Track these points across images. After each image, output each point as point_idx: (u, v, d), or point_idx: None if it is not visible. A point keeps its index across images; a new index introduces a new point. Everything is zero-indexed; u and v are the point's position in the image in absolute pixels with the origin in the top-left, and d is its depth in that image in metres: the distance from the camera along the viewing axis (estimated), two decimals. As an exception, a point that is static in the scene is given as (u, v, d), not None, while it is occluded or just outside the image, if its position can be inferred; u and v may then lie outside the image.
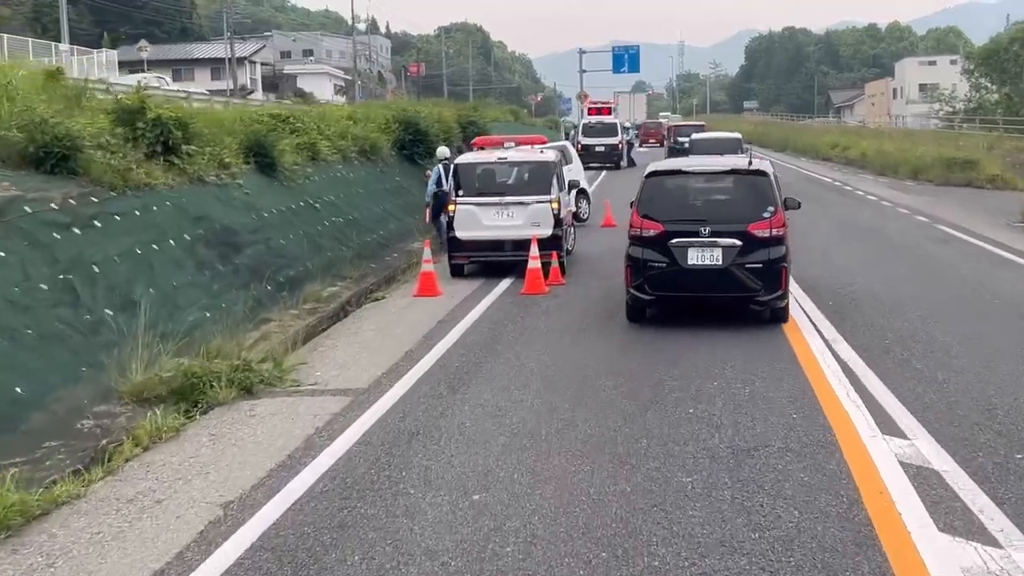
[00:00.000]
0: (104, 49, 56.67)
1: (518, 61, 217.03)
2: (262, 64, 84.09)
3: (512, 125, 61.92)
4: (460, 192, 14.77)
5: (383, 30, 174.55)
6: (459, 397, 8.40)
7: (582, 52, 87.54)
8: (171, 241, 11.29)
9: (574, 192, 20.07)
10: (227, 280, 12.07)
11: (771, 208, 11.15)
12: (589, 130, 42.41)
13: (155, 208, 11.44)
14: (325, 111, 24.09)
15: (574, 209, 21.28)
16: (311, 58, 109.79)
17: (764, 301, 11.08)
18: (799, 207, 12.87)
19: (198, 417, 8.10)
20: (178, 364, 8.58)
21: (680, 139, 42.45)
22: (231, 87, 68.12)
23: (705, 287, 11.13)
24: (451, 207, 14.71)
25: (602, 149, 41.84)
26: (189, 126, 13.56)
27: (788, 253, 11.24)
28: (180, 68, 77.95)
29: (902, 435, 7.00)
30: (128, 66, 69.67)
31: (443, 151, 18.72)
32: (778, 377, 8.71)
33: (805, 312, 11.68)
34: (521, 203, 14.59)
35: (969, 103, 68.77)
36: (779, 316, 11.29)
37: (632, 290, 11.42)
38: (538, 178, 14.92)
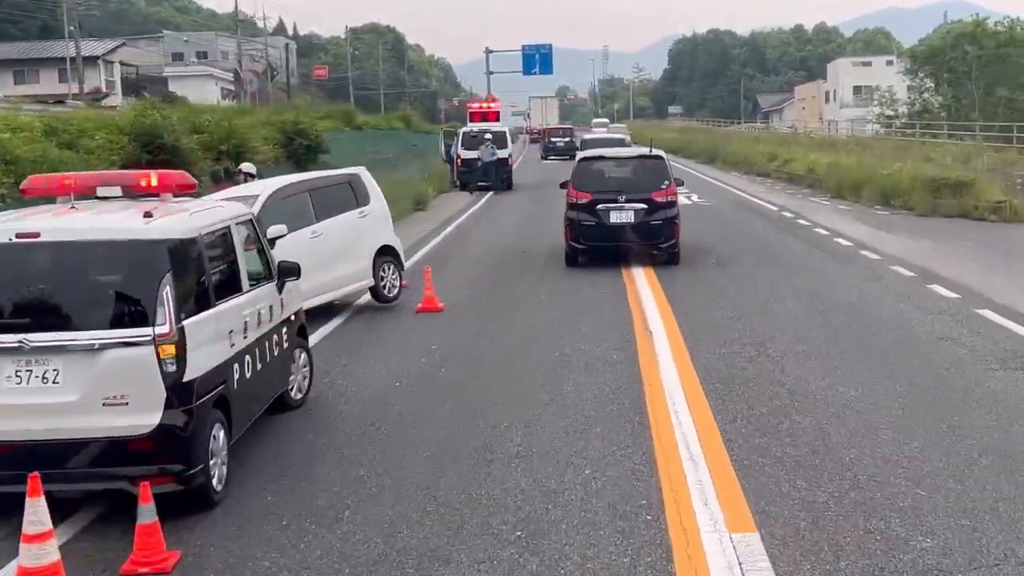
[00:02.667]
0: None
1: (436, 65, 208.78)
2: (124, 65, 73.99)
3: (398, 133, 52.99)
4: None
5: (290, 32, 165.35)
6: None
7: (489, 52, 79.35)
8: None
9: (333, 275, 11.59)
10: None
11: (666, 182, 15.93)
12: (471, 140, 33.63)
13: None
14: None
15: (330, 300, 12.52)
16: (193, 60, 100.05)
17: (663, 248, 15.74)
18: (682, 184, 17.71)
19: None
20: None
21: (553, 139, 54.94)
22: (74, 91, 58.48)
23: (622, 238, 15.70)
24: None
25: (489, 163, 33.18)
26: None
27: (679, 214, 16.03)
28: (23, 69, 67.88)
29: None
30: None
31: None
32: None
33: None
34: (75, 348, 5.77)
35: (912, 106, 62.05)
36: (673, 259, 15.81)
37: (571, 242, 15.95)
38: (127, 285, 6.05)
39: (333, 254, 12.04)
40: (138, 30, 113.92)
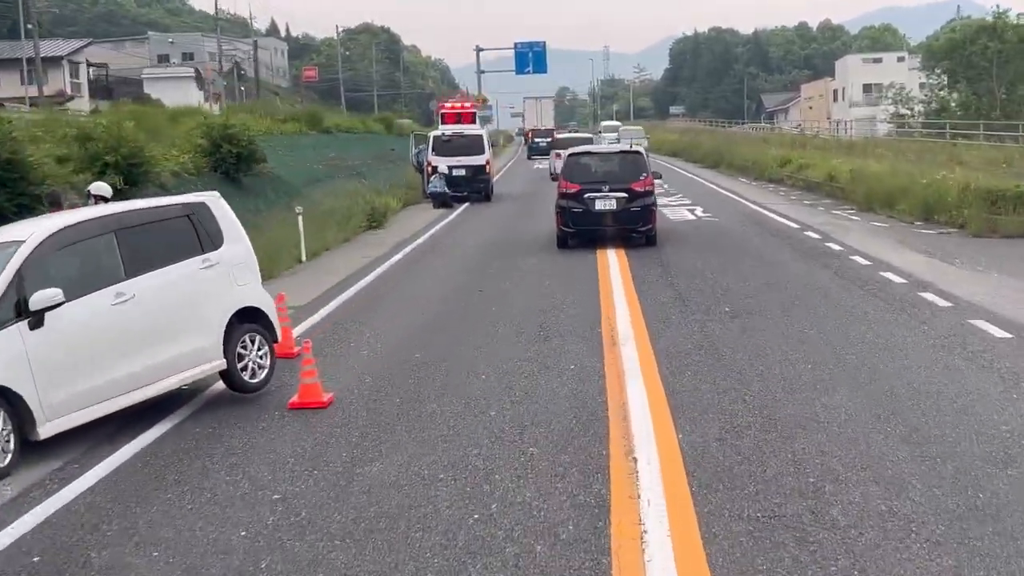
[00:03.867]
0: None
1: (434, 67, 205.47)
2: (94, 66, 70.00)
3: (375, 137, 48.94)
4: None
5: (283, 33, 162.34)
6: None
7: (479, 50, 75.53)
8: None
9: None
10: None
11: (644, 174, 18.06)
12: (443, 145, 29.45)
13: None
14: None
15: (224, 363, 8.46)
16: (175, 61, 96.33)
17: (641, 231, 17.82)
18: (660, 177, 20.77)
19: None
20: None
21: (537, 140, 61.88)
22: (29, 94, 54.74)
23: (606, 223, 17.74)
24: None
25: (461, 173, 29.06)
26: None
27: (655, 202, 18.42)
28: (-17, 70, 63.96)
29: None
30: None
31: None
32: None
33: None
34: None
35: (929, 104, 58.09)
36: (651, 241, 17.87)
37: (561, 227, 18.02)
38: None
39: (153, 327, 7.98)
40: (128, 32, 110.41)
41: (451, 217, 25.35)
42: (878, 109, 73.76)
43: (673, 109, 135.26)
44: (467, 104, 33.62)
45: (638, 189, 17.69)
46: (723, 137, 61.09)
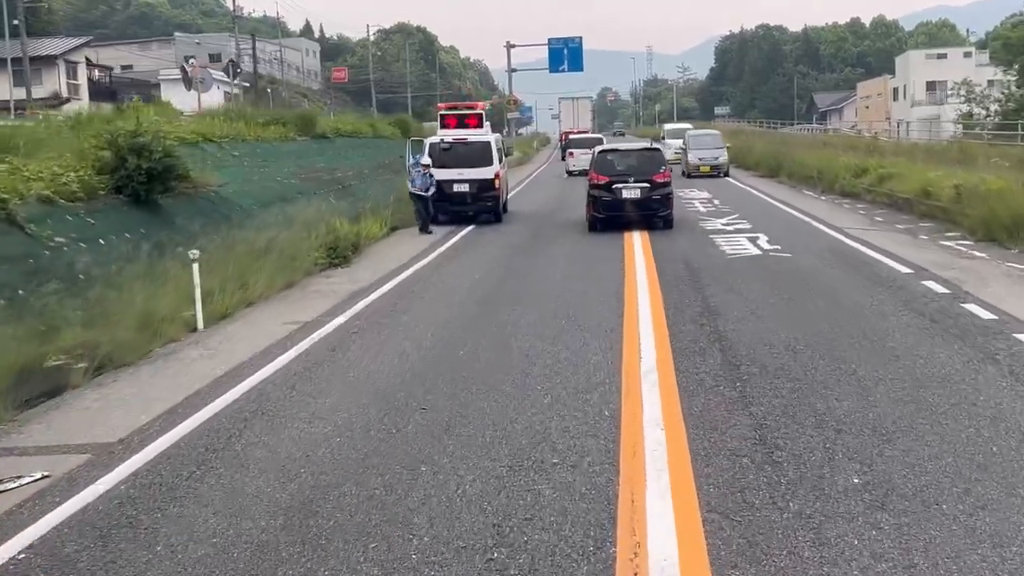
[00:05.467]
0: None
1: (472, 68, 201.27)
2: (93, 66, 65.60)
3: (383, 143, 43.48)
4: None
5: (316, 34, 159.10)
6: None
7: (510, 46, 70.36)
8: None
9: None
10: None
11: (663, 167, 21.17)
12: (442, 154, 23.92)
13: None
14: None
15: None
16: (193, 61, 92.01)
17: (662, 216, 20.81)
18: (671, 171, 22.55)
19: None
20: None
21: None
22: (17, 96, 50.34)
23: (631, 209, 20.64)
24: None
25: (464, 188, 23.58)
26: None
27: (672, 191, 21.34)
28: (-23, 71, 59.74)
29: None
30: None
31: None
32: None
33: None
34: None
35: (1007, 102, 52.09)
36: (669, 224, 20.89)
37: (592, 213, 21.11)
38: None
39: None
40: (161, 34, 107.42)
41: (442, 249, 19.77)
42: (944, 108, 67.52)
43: (718, 110, 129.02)
44: (472, 105, 28.06)
45: (659, 180, 20.87)
46: (777, 140, 54.98)
